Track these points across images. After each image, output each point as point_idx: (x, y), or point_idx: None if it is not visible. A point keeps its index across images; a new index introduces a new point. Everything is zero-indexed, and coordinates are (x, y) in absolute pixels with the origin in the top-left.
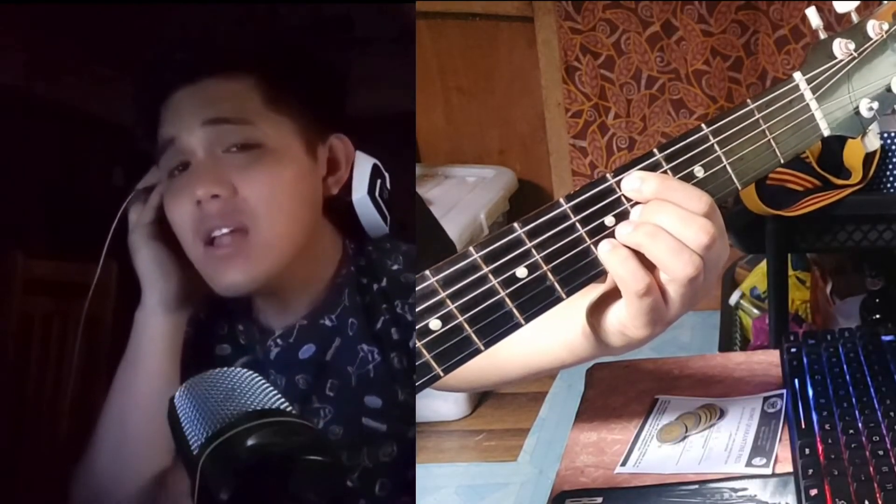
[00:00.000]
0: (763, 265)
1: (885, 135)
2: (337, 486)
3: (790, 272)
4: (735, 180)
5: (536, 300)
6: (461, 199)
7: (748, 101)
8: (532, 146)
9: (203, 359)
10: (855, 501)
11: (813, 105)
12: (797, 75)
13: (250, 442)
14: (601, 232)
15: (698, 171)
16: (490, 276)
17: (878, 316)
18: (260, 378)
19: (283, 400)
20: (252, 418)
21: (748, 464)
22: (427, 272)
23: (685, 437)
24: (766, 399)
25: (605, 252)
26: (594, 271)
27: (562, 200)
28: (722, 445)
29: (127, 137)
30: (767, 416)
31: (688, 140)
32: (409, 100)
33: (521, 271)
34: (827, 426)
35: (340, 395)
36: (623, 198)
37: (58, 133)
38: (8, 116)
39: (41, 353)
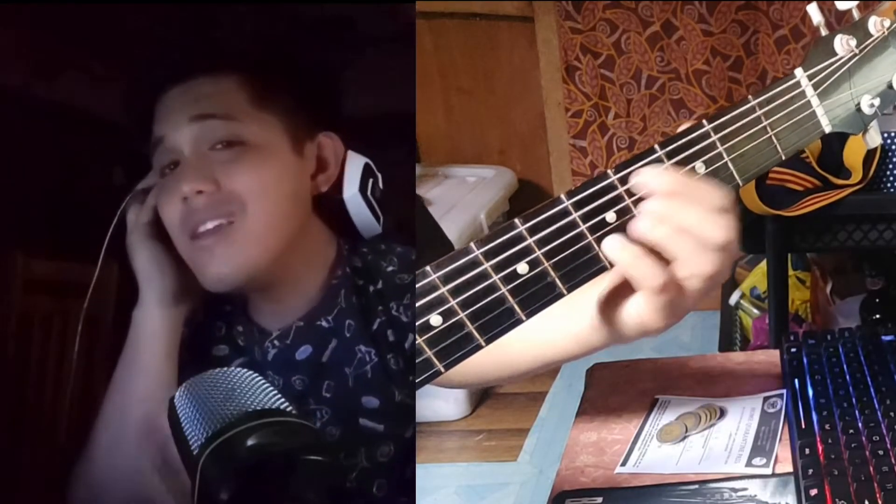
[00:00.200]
0: (763, 265)
1: (886, 134)
2: (337, 486)
3: (790, 272)
4: (736, 176)
5: (537, 296)
6: (461, 199)
7: (749, 97)
8: (532, 146)
9: (201, 360)
10: (855, 501)
11: (814, 101)
12: (798, 72)
13: (250, 442)
14: (602, 228)
15: (700, 168)
16: (491, 272)
17: (878, 316)
18: (260, 378)
19: (283, 400)
20: (252, 418)
21: (748, 464)
22: (428, 268)
23: (685, 437)
24: (766, 399)
25: (616, 249)
26: (595, 267)
27: (563, 197)
28: (722, 445)
29: (127, 137)
30: (767, 416)
31: (689, 136)
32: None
33: (522, 267)
34: (827, 426)
35: (337, 396)
36: (624, 194)
37: (58, 133)
38: (8, 116)
39: (41, 353)
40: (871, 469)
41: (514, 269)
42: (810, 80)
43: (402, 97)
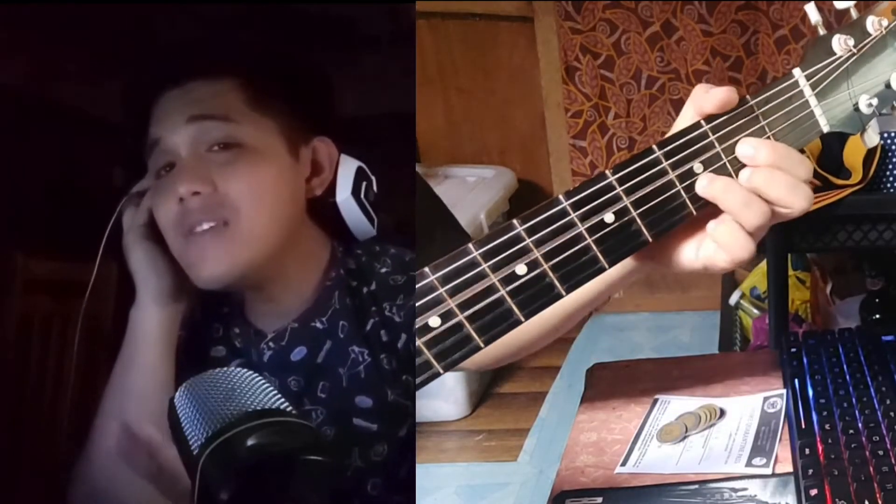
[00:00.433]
0: (763, 265)
1: (885, 134)
2: (336, 486)
3: (790, 272)
4: (734, 177)
5: (536, 297)
6: (461, 199)
7: (748, 97)
8: (532, 146)
9: (198, 361)
10: (855, 501)
11: (812, 101)
12: (796, 71)
13: (250, 442)
14: (601, 229)
15: (697, 168)
16: (490, 273)
17: (878, 316)
18: (260, 378)
19: (282, 400)
20: (252, 418)
21: (748, 464)
22: (426, 269)
23: (685, 437)
24: (766, 399)
25: (708, 185)
26: (593, 268)
27: (561, 197)
28: (722, 445)
29: (126, 138)
30: (767, 416)
31: (687, 137)
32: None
33: (520, 268)
34: (827, 426)
35: (332, 396)
36: (622, 194)
37: (58, 133)
38: (8, 116)
39: (41, 353)
40: (871, 469)
41: (513, 271)
42: (808, 79)
43: (402, 97)
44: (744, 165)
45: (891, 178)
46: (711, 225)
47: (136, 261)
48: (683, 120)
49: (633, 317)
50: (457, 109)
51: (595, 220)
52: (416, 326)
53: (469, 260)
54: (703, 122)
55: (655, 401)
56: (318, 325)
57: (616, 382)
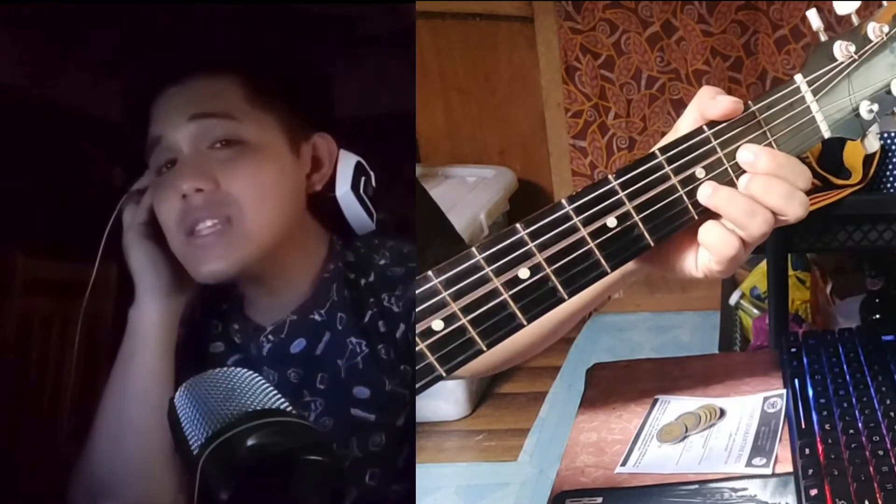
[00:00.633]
0: (763, 265)
1: (886, 135)
2: (336, 486)
3: (790, 272)
4: (736, 182)
5: (539, 302)
6: (461, 199)
7: (749, 102)
8: (532, 146)
9: (198, 357)
10: (855, 501)
11: (814, 107)
12: (798, 77)
13: (250, 442)
14: (604, 234)
15: (699, 173)
16: (492, 277)
17: (878, 316)
18: (260, 378)
19: (282, 400)
20: (252, 418)
21: (748, 464)
22: (430, 273)
23: (685, 437)
24: (766, 399)
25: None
26: (596, 272)
27: (564, 202)
28: (722, 445)
29: (126, 137)
30: (767, 416)
31: (689, 142)
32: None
33: (523, 273)
34: (827, 426)
35: (330, 387)
36: (625, 199)
37: (58, 133)
38: (8, 116)
39: (41, 353)
40: (871, 469)
41: (516, 275)
42: (810, 85)
43: (402, 97)
44: (745, 171)
45: (891, 178)
46: (700, 230)
47: (136, 259)
48: (685, 121)
49: (633, 317)
50: (457, 109)
51: (597, 224)
52: (419, 330)
53: (472, 264)
54: (705, 127)
55: (655, 401)
56: (317, 317)
57: (616, 382)
